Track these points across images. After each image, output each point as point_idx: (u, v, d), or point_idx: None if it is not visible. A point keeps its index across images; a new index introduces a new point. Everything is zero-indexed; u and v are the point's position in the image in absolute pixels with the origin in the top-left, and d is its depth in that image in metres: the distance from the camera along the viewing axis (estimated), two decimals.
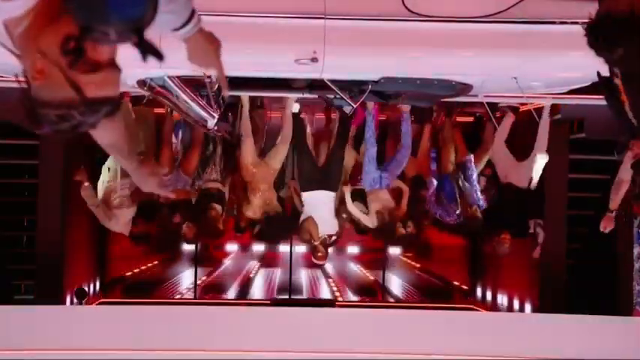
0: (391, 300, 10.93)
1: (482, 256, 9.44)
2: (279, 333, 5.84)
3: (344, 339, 5.81)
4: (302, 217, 6.79)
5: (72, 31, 1.54)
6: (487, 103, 6.51)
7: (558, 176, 7.58)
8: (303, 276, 11.90)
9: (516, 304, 8.61)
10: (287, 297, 10.51)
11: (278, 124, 6.99)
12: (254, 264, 12.93)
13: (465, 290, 10.11)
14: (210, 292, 10.81)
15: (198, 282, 10.76)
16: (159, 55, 1.58)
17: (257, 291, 11.54)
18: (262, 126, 7.15)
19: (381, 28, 4.38)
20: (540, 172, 6.60)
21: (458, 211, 7.24)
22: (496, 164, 7.21)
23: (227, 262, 12.79)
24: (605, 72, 2.70)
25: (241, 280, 12.03)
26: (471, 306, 9.57)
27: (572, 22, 4.04)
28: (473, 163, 7.14)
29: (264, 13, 4.33)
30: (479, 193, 7.11)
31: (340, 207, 7.05)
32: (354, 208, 6.90)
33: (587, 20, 2.19)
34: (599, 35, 2.16)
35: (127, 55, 1.62)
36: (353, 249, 12.49)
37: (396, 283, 11.82)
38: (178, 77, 5.00)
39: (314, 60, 4.35)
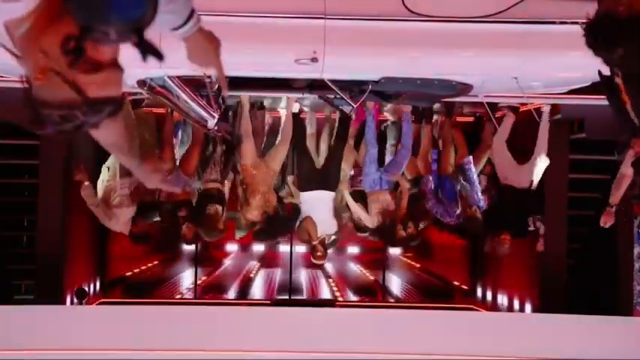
0: (391, 300, 10.93)
1: (483, 256, 9.43)
2: (279, 333, 5.84)
3: (344, 339, 5.81)
4: (301, 217, 6.79)
5: (72, 31, 1.54)
6: (487, 103, 6.51)
7: (558, 176, 7.58)
8: (303, 276, 11.90)
9: (516, 304, 8.61)
10: (287, 297, 10.51)
11: (278, 124, 6.99)
12: (254, 264, 12.92)
13: (465, 290, 10.11)
14: (210, 292, 10.81)
15: (198, 282, 10.76)
16: (159, 55, 1.58)
17: (257, 291, 11.54)
18: (262, 126, 7.14)
19: (381, 28, 4.38)
20: (541, 175, 6.61)
21: (458, 212, 7.23)
22: (496, 165, 7.21)
23: (227, 262, 12.79)
24: (606, 71, 2.70)
25: (241, 280, 12.03)
26: (471, 306, 9.57)
27: (572, 22, 4.04)
28: (472, 165, 7.14)
29: (264, 13, 4.33)
30: (479, 194, 7.11)
31: (339, 207, 7.05)
32: (355, 205, 6.90)
33: (585, 20, 2.19)
34: (598, 35, 2.17)
35: (127, 55, 1.62)
36: (353, 249, 12.48)
37: (396, 283, 11.82)
38: (178, 77, 5.01)
39: (314, 60, 4.35)
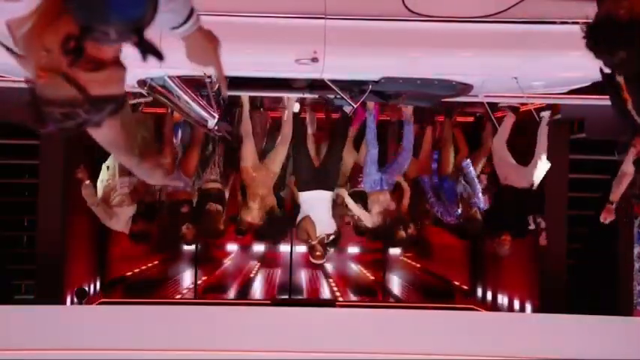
0: (391, 300, 10.93)
1: (483, 256, 9.43)
2: (279, 333, 5.84)
3: (344, 339, 5.81)
4: (299, 217, 6.80)
5: (73, 31, 1.54)
6: (487, 103, 6.51)
7: (558, 176, 7.57)
8: (303, 276, 11.89)
9: (517, 304, 8.61)
10: (287, 297, 10.51)
11: (278, 124, 6.98)
12: (254, 264, 12.92)
13: (465, 290, 10.11)
14: (210, 292, 10.81)
15: (199, 282, 10.76)
16: (159, 55, 1.58)
17: (257, 291, 11.54)
18: (263, 127, 7.14)
19: (381, 28, 4.38)
20: (542, 177, 6.60)
21: (458, 212, 7.23)
22: (496, 165, 7.21)
23: (227, 262, 12.79)
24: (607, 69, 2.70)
25: (241, 280, 12.03)
26: (472, 306, 9.57)
27: (573, 22, 4.02)
28: (471, 167, 7.14)
29: (265, 13, 4.33)
30: (480, 195, 7.11)
31: (337, 207, 7.06)
32: (355, 207, 6.90)
33: (586, 22, 2.19)
34: (599, 38, 2.16)
35: (127, 54, 1.62)
36: (353, 249, 12.48)
37: (396, 283, 11.82)
38: (179, 77, 5.01)
39: (314, 60, 4.35)
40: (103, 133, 2.11)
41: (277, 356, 5.66)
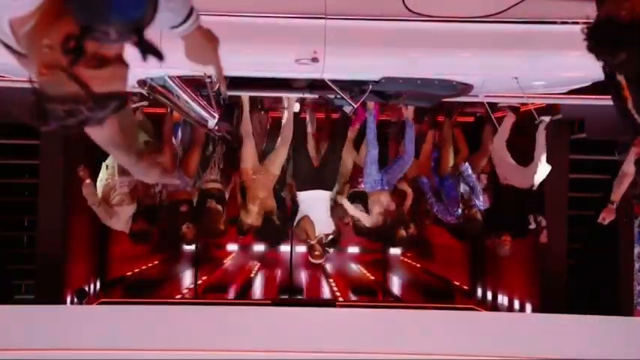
0: (391, 300, 10.93)
1: (483, 256, 9.43)
2: (279, 333, 5.85)
3: (344, 339, 5.81)
4: (298, 217, 6.80)
5: (73, 30, 1.54)
6: (487, 103, 6.51)
7: (558, 176, 7.57)
8: (303, 276, 11.90)
9: (517, 304, 8.61)
10: (287, 297, 10.50)
11: (278, 125, 6.98)
12: (254, 264, 12.92)
13: (465, 290, 10.11)
14: (210, 292, 10.80)
15: (199, 282, 10.76)
16: (159, 55, 1.58)
17: (257, 291, 11.54)
18: (263, 128, 7.13)
19: (381, 28, 4.38)
20: (542, 178, 6.60)
21: (459, 212, 7.23)
22: (496, 165, 7.21)
23: (227, 262, 12.79)
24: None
25: (242, 280, 12.03)
26: (472, 306, 9.57)
27: (573, 22, 4.04)
28: (470, 170, 7.14)
29: (265, 13, 4.33)
30: (481, 198, 7.11)
31: (336, 207, 7.06)
32: (353, 209, 6.90)
33: (586, 24, 2.19)
34: (600, 40, 2.16)
35: (127, 54, 1.62)
36: (353, 249, 12.48)
37: (396, 283, 11.82)
38: (179, 77, 5.01)
39: (314, 60, 4.35)
40: (101, 132, 2.11)
41: (277, 356, 5.66)
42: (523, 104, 6.82)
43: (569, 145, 7.81)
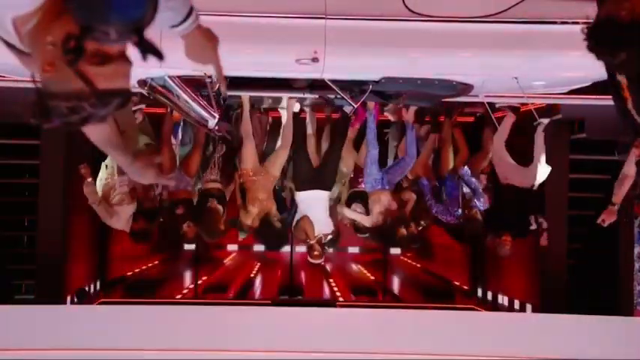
0: (391, 300, 10.92)
1: (483, 256, 9.43)
2: (279, 333, 5.85)
3: (344, 339, 5.81)
4: (297, 217, 6.79)
5: (73, 30, 1.54)
6: (487, 103, 6.51)
7: (558, 176, 7.57)
8: (303, 276, 11.89)
9: (517, 304, 8.61)
10: (287, 297, 10.50)
11: (278, 125, 6.98)
12: (254, 264, 12.92)
13: (465, 290, 10.11)
14: (210, 292, 10.80)
15: (199, 282, 10.75)
16: (159, 55, 1.58)
17: (257, 291, 11.53)
18: (263, 129, 7.13)
19: (381, 28, 4.38)
20: (543, 179, 6.60)
21: (459, 212, 7.23)
22: (496, 165, 7.21)
23: (227, 262, 12.78)
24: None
25: (241, 280, 12.02)
26: (472, 306, 9.57)
27: (573, 22, 4.04)
28: (470, 175, 7.14)
29: (265, 13, 4.33)
30: (482, 199, 7.11)
31: (335, 207, 7.05)
32: (353, 214, 6.92)
33: (586, 24, 2.19)
34: (600, 40, 2.16)
35: (130, 51, 1.62)
36: (353, 249, 12.47)
37: (396, 283, 11.81)
38: (179, 77, 5.01)
39: (315, 60, 4.36)
40: (97, 131, 2.11)
41: (277, 356, 5.66)
42: (523, 104, 6.82)
43: (569, 145, 7.81)
